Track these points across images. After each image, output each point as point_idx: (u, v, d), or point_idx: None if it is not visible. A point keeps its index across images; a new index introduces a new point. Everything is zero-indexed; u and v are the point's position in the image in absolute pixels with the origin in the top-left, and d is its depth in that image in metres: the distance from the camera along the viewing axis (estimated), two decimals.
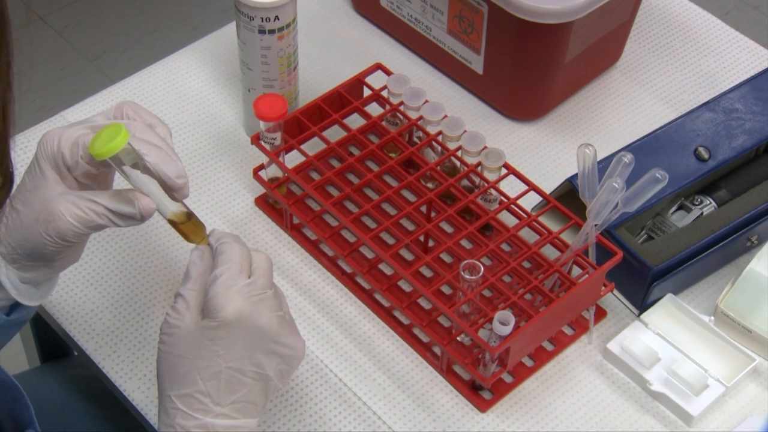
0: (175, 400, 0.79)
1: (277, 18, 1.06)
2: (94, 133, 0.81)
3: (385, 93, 1.11)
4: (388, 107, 1.10)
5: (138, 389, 0.98)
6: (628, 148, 1.08)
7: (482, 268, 0.94)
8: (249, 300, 0.78)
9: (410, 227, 1.09)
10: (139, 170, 0.80)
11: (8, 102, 0.65)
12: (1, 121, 0.65)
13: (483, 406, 0.98)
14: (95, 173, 0.83)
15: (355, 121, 1.12)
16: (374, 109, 1.12)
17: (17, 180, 0.81)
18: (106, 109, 0.85)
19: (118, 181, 0.88)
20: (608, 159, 1.04)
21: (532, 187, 1.04)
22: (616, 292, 1.06)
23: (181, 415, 0.79)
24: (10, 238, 0.82)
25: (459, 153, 1.06)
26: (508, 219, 1.05)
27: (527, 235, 1.03)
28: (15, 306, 0.88)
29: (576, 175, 1.00)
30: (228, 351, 0.79)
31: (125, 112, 0.83)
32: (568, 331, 1.04)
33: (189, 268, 0.81)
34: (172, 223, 0.83)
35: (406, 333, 1.03)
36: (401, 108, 1.10)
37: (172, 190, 0.81)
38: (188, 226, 0.83)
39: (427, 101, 1.08)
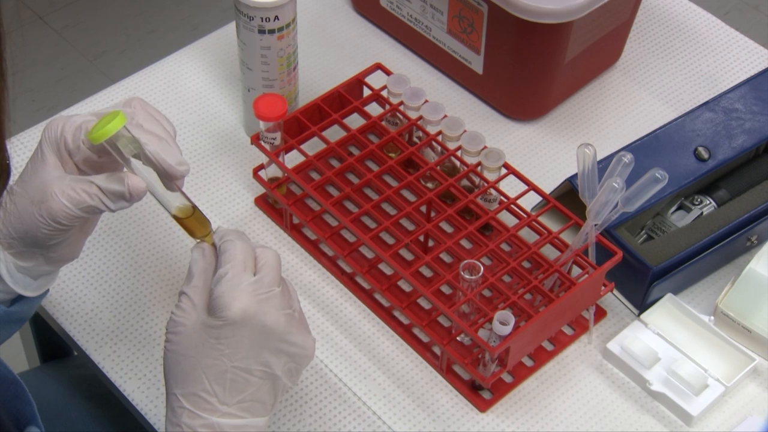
0: (181, 399, 0.79)
1: (276, 18, 1.06)
2: (98, 119, 0.81)
3: (384, 93, 1.11)
4: (387, 107, 1.10)
5: (138, 389, 0.98)
6: (628, 148, 1.08)
7: (482, 268, 0.94)
8: (255, 298, 0.78)
9: (410, 227, 1.09)
10: (141, 162, 0.80)
11: (2, 92, 0.65)
12: None
13: (483, 406, 0.98)
14: (97, 161, 0.83)
15: (354, 121, 1.12)
16: (374, 109, 1.12)
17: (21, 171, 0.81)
18: (116, 103, 0.85)
19: None
20: (608, 159, 1.04)
21: (531, 187, 1.04)
22: (615, 292, 1.06)
23: (187, 414, 0.79)
24: (6, 221, 0.82)
25: (459, 153, 1.06)
26: (507, 219, 1.05)
27: (527, 235, 1.03)
28: (16, 300, 0.88)
29: (576, 175, 1.00)
30: (233, 350, 0.78)
31: (133, 106, 0.84)
32: (568, 331, 1.04)
33: (191, 266, 0.81)
34: (177, 218, 0.83)
35: (406, 333, 1.03)
36: (401, 108, 1.10)
37: (173, 179, 0.81)
38: (191, 220, 0.82)
39: (426, 101, 1.08)
